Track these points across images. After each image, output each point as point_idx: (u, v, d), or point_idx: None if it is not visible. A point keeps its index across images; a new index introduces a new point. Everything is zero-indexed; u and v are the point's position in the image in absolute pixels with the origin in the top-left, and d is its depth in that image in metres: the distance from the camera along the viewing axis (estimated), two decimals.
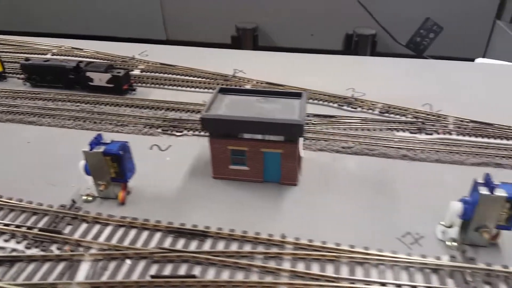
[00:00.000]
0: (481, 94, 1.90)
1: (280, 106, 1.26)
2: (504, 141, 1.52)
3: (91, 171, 1.19)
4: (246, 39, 5.15)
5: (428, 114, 1.67)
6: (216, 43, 5.29)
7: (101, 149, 1.15)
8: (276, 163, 1.25)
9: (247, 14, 5.23)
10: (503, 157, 1.42)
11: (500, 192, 0.99)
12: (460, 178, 1.21)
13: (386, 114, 1.69)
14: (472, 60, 2.60)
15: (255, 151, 1.23)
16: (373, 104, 1.74)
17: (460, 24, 5.04)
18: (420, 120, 1.63)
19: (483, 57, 5.41)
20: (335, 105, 1.76)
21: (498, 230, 1.08)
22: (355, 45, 4.91)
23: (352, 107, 1.73)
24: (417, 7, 4.72)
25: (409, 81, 2.02)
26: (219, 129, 1.20)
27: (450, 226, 1.13)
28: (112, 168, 1.17)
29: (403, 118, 1.66)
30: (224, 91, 1.33)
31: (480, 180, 1.04)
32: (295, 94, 1.30)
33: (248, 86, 1.89)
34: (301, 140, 1.34)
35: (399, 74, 2.10)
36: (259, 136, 1.24)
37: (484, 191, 1.00)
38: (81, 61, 1.87)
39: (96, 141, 1.18)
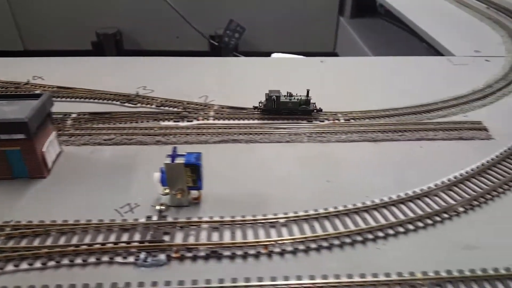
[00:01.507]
0: (253, 84, 2.23)
1: (17, 108, 1.40)
2: (251, 121, 1.85)
3: None
4: (108, 44, 5.16)
5: (197, 105, 1.94)
6: (77, 50, 5.21)
7: None
8: (19, 160, 1.39)
9: (108, 18, 5.23)
10: (240, 134, 1.74)
11: (179, 160, 1.26)
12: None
13: (162, 107, 1.93)
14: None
15: None
16: (153, 100, 1.97)
17: (310, 21, 5.63)
18: (187, 110, 1.89)
19: (334, 51, 6.11)
20: (118, 102, 1.95)
21: (199, 192, 1.36)
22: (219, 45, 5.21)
23: (132, 104, 1.94)
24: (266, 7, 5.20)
25: (200, 77, 2.28)
26: None
27: (166, 194, 1.38)
28: None
29: (175, 109, 1.91)
30: None
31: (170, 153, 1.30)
32: (36, 96, 1.45)
33: (38, 91, 1.99)
34: (53, 135, 1.51)
35: (195, 72, 2.37)
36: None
37: (167, 160, 1.26)
38: None
39: None
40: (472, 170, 1.53)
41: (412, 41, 3.77)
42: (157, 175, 1.31)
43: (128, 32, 5.46)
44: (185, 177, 1.27)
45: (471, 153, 1.67)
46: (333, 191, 1.45)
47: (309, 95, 1.85)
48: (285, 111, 1.86)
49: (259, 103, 1.89)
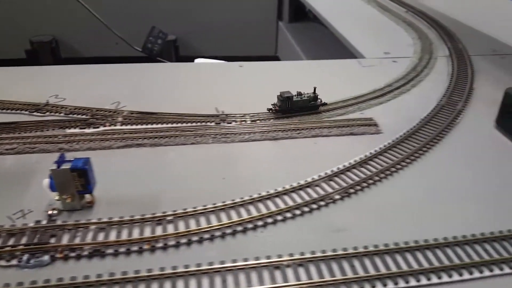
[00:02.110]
0: (167, 88, 2.32)
1: None
2: (159, 126, 1.92)
3: None
4: (43, 52, 5.04)
5: (106, 111, 1.99)
6: (9, 59, 5.05)
7: None
8: None
9: (42, 26, 5.12)
10: (145, 138, 1.81)
11: (65, 166, 1.32)
12: (102, 160, 1.49)
13: (71, 115, 1.97)
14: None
15: None
16: (62, 108, 2.00)
17: (251, 25, 5.79)
18: (95, 117, 1.94)
19: (275, 54, 6.30)
20: (27, 112, 1.97)
21: (91, 196, 1.42)
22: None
23: (41, 113, 1.96)
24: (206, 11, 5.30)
25: (114, 84, 2.33)
26: None
27: (59, 199, 1.42)
28: None
29: (83, 117, 1.95)
30: None
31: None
32: None
33: None
34: None
35: (109, 79, 2.41)
36: None
37: (53, 167, 1.31)
38: None
39: None
40: (355, 161, 1.70)
41: (340, 44, 3.99)
42: (46, 181, 1.36)
43: (65, 40, 5.36)
44: (74, 181, 1.33)
45: (358, 146, 1.83)
46: (227, 187, 1.55)
47: (316, 92, 2.07)
48: (297, 109, 2.04)
49: (272, 104, 2.04)
